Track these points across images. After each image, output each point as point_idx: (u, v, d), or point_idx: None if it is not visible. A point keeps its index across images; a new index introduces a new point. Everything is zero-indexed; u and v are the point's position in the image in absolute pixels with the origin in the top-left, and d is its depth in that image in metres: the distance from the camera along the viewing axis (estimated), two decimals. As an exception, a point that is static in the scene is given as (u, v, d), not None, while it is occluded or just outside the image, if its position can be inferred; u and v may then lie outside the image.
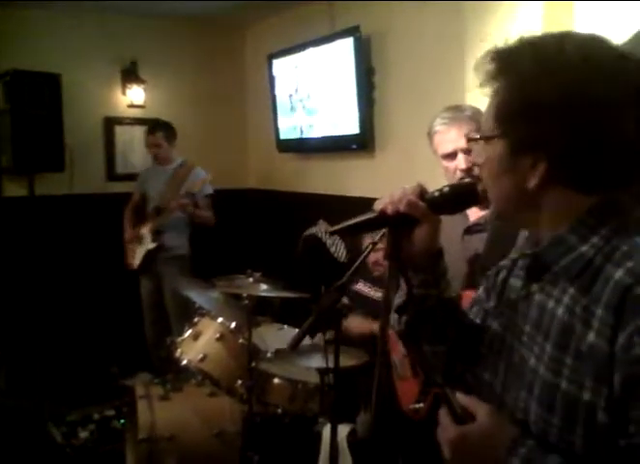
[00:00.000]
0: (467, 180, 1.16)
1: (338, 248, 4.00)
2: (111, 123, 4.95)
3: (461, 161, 2.03)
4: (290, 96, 4.63)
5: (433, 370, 1.20)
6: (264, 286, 2.76)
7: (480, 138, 1.00)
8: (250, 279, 2.83)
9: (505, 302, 1.08)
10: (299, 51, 4.44)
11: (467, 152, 2.00)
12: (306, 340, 2.77)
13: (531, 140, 0.91)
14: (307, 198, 4.74)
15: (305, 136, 4.55)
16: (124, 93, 4.97)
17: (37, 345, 4.31)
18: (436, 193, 1.09)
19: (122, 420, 3.34)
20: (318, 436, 2.61)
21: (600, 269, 0.88)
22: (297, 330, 1.21)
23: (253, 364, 2.72)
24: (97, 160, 4.93)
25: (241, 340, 2.81)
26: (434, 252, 1.11)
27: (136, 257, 4.30)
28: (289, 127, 4.72)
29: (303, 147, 4.67)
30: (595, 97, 0.87)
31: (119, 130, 4.97)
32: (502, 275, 1.13)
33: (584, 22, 2.82)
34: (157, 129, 4.32)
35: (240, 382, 2.75)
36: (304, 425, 2.77)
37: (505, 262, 1.14)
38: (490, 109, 0.97)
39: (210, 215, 4.27)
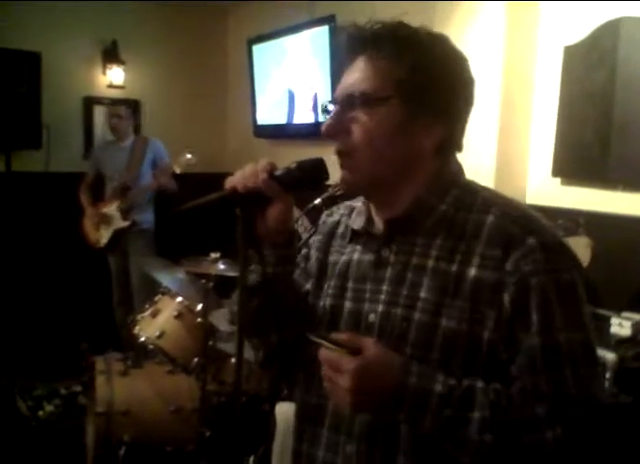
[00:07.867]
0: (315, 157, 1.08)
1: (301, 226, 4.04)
2: (90, 102, 4.96)
3: None
4: (269, 81, 4.66)
5: (273, 357, 1.20)
6: (223, 266, 2.83)
7: (381, 99, 1.00)
8: (213, 260, 2.89)
9: (343, 277, 1.12)
10: (277, 37, 4.47)
11: None
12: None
13: (434, 104, 1.00)
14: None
15: (281, 123, 4.59)
16: (104, 73, 4.98)
17: (9, 320, 4.34)
18: (284, 170, 1.06)
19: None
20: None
21: (466, 220, 1.02)
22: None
23: (210, 343, 2.78)
24: (75, 140, 4.94)
25: (199, 319, 2.87)
26: (288, 232, 1.11)
27: (103, 236, 4.33)
28: (266, 112, 4.76)
29: (279, 133, 4.70)
30: (467, 78, 1.05)
31: (98, 109, 4.97)
32: (314, 256, 1.20)
33: (549, 22, 2.89)
34: (119, 102, 4.49)
35: (196, 360, 2.82)
36: (259, 404, 2.84)
37: (317, 245, 1.21)
38: (380, 73, 1.00)
39: (174, 182, 4.28)
